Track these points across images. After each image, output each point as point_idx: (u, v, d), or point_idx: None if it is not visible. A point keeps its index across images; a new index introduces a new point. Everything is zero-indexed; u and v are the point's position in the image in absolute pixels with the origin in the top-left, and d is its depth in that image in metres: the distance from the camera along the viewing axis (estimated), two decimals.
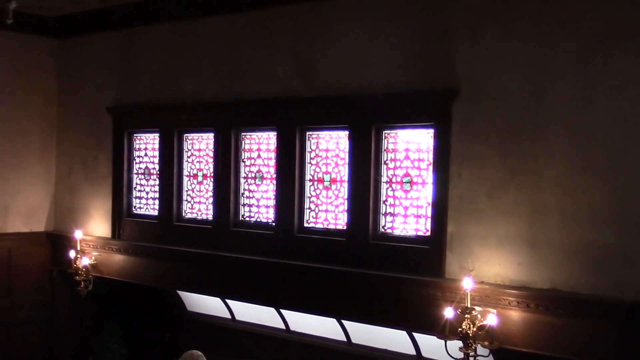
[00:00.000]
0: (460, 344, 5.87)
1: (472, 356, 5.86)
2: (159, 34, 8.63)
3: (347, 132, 7.10)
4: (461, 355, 5.86)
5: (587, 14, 5.64)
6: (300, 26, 7.38)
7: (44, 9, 8.97)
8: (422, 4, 6.55)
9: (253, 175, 7.92)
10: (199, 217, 8.45)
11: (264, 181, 7.83)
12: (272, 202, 7.72)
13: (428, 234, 6.58)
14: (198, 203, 8.48)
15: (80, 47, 9.53)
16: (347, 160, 7.10)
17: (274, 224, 7.66)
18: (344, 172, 7.17)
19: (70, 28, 9.48)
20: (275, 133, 7.65)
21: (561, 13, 5.76)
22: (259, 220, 7.88)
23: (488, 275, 6.09)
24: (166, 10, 8.37)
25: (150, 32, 8.71)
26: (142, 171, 9.04)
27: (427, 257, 6.47)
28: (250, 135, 7.94)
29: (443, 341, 5.96)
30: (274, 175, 7.67)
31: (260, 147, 7.88)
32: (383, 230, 6.90)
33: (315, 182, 7.40)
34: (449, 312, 5.95)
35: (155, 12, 8.48)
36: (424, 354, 7.33)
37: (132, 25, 8.81)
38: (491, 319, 5.87)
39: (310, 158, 7.43)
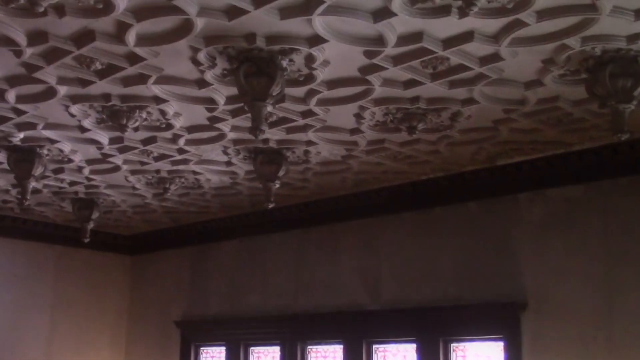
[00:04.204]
0: None
1: None
2: (227, 250, 8.90)
3: (414, 345, 7.02)
4: None
5: None
6: (365, 240, 7.54)
7: (120, 228, 9.42)
8: (485, 218, 6.68)
9: None
10: None
11: None
12: None
13: None
14: None
15: (152, 263, 9.86)
16: None
17: None
18: None
19: (144, 245, 9.87)
20: (341, 346, 7.60)
21: (626, 225, 5.80)
22: None
23: None
24: (234, 228, 8.70)
25: (219, 248, 8.99)
26: None
27: None
28: (317, 348, 7.90)
29: None
30: None
31: None
32: None
33: None
34: None
35: (224, 229, 8.81)
36: None
37: (201, 242, 9.14)
38: None
39: None
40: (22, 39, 4.10)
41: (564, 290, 6.04)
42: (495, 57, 4.32)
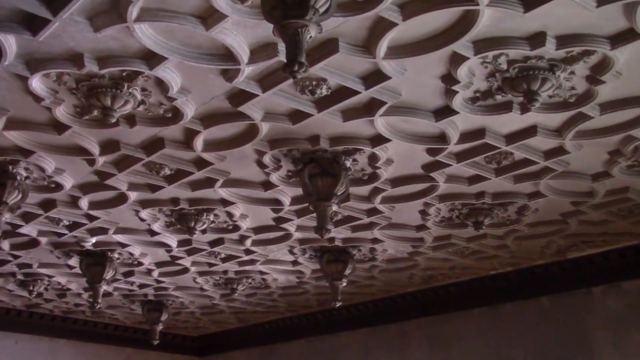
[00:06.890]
0: None
1: None
2: (294, 349, 8.80)
3: None
4: None
5: None
6: (434, 337, 7.39)
7: (188, 329, 9.45)
8: (559, 312, 6.49)
9: None
10: None
11: None
12: None
13: None
14: None
15: None
16: None
17: None
18: None
19: (211, 346, 9.84)
20: None
21: None
22: None
23: None
24: (301, 327, 8.63)
25: (287, 348, 8.90)
26: None
27: None
28: None
29: None
30: None
31: None
32: None
33: None
34: None
35: (291, 329, 8.74)
36: None
37: (269, 342, 9.08)
38: None
39: None
40: (95, 149, 4.26)
41: None
42: (560, 151, 4.29)
